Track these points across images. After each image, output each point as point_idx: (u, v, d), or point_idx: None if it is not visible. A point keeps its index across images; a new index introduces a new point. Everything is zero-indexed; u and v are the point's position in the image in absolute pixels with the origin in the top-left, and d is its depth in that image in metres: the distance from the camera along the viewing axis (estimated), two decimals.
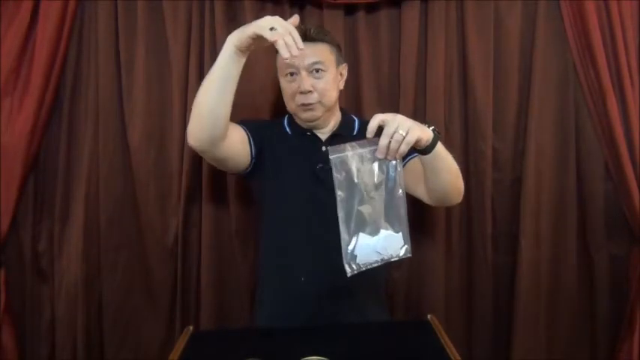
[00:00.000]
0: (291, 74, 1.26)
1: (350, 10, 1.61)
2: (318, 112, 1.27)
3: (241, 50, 1.08)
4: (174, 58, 1.58)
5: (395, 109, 1.63)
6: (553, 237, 1.67)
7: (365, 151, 0.99)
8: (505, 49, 1.63)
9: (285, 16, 1.58)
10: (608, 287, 1.69)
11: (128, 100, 1.58)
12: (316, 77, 1.25)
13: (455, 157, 1.62)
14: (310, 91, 1.24)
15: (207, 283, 1.60)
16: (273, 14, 1.57)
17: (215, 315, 1.61)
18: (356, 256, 0.99)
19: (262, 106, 1.59)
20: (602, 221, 1.68)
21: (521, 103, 1.66)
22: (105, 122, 1.58)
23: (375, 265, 1.00)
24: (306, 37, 1.26)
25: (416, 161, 1.18)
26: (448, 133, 1.64)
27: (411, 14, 1.59)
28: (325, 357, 0.95)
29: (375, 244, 0.99)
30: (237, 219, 1.61)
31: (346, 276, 1.13)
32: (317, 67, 1.25)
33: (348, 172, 0.99)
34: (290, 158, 1.21)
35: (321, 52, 1.27)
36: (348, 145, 1.00)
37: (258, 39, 1.05)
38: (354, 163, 0.99)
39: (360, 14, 1.61)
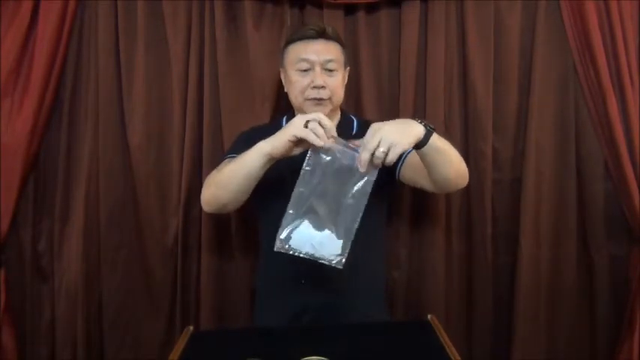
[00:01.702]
0: (304, 69, 1.27)
1: (350, 10, 1.61)
2: (326, 108, 1.28)
3: (275, 157, 1.09)
4: (174, 58, 1.58)
5: (395, 109, 1.63)
6: (553, 237, 1.67)
7: (349, 151, 0.99)
8: (505, 49, 1.63)
9: (285, 16, 1.59)
10: (608, 287, 1.69)
11: (128, 100, 1.58)
12: (329, 75, 1.27)
13: None
14: (323, 87, 1.25)
15: (207, 283, 1.60)
16: (273, 14, 1.60)
17: (215, 315, 1.61)
18: (291, 237, 1.00)
19: (262, 105, 1.59)
20: (602, 221, 1.68)
21: (521, 103, 1.66)
22: (105, 122, 1.58)
23: (304, 256, 1.01)
24: (323, 34, 1.28)
25: (414, 154, 1.18)
26: (448, 133, 1.64)
27: (411, 14, 1.59)
28: (325, 357, 0.95)
29: (313, 237, 1.00)
30: (237, 219, 1.61)
31: (347, 277, 1.13)
32: (330, 65, 1.27)
33: (322, 163, 0.99)
34: (288, 162, 1.21)
35: (335, 51, 1.29)
36: (339, 139, 1.01)
37: (296, 142, 1.05)
38: (331, 157, 0.99)
39: (360, 14, 1.61)
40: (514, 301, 1.66)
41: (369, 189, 1.00)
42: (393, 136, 0.97)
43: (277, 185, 1.25)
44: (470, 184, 1.63)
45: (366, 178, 0.99)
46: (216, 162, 1.56)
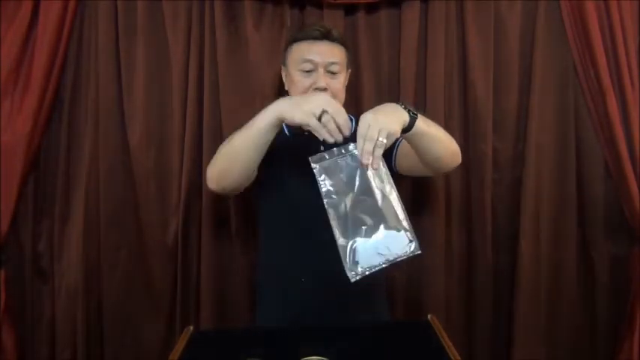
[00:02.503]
0: (307, 70, 1.27)
1: (350, 10, 1.61)
2: None
3: (281, 121, 1.08)
4: (174, 58, 1.58)
5: None
6: (553, 237, 1.67)
7: (347, 156, 0.99)
8: (505, 49, 1.64)
9: (285, 17, 1.59)
10: (608, 287, 1.69)
11: (128, 100, 1.58)
12: (331, 77, 1.27)
13: None
14: (325, 89, 1.25)
15: (207, 283, 1.60)
16: (273, 14, 1.60)
17: (215, 315, 1.61)
18: (357, 261, 0.96)
19: (262, 106, 1.58)
20: (602, 221, 1.68)
21: (521, 103, 1.66)
22: (105, 122, 1.58)
23: (382, 266, 0.97)
24: (328, 35, 1.28)
25: (405, 142, 1.18)
26: (448, 133, 1.63)
27: (411, 14, 1.59)
28: (325, 357, 0.95)
29: (375, 245, 0.97)
30: (237, 219, 1.61)
31: (347, 276, 1.13)
32: (334, 67, 1.27)
33: (336, 179, 0.98)
34: (288, 159, 1.21)
35: (340, 54, 1.29)
36: (326, 154, 1.01)
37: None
38: (339, 169, 0.98)
39: (360, 14, 1.61)
40: (514, 300, 1.66)
41: (383, 173, 0.99)
42: (389, 124, 0.97)
43: (279, 189, 1.26)
44: (470, 184, 1.65)
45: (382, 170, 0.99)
46: None
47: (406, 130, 1.05)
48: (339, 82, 1.29)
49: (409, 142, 1.12)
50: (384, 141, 0.96)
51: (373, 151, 0.95)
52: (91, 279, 1.61)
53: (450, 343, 1.04)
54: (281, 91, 1.52)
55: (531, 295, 1.65)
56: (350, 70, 1.37)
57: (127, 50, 1.57)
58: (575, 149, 1.66)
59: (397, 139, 1.21)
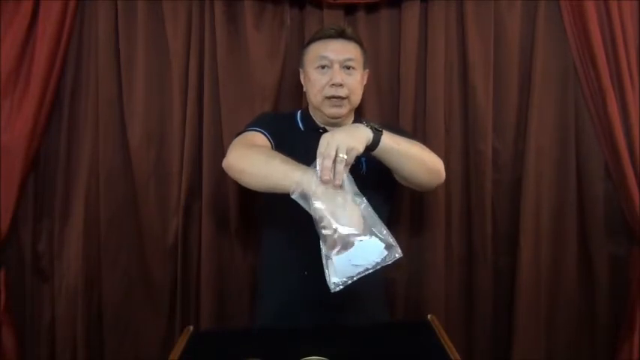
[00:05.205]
0: (323, 67, 1.29)
1: (350, 10, 1.61)
2: (344, 109, 1.30)
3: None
4: (174, 58, 1.58)
5: (395, 109, 1.63)
6: (553, 237, 1.67)
7: (316, 176, 0.99)
8: (505, 49, 1.63)
9: (285, 16, 1.59)
10: (608, 287, 1.69)
11: (128, 100, 1.58)
12: (347, 73, 1.29)
13: (455, 158, 1.63)
14: (341, 85, 1.27)
15: (207, 283, 1.60)
16: (273, 14, 1.60)
17: (215, 315, 1.61)
18: (335, 274, 0.97)
19: (262, 106, 1.59)
20: (602, 221, 1.68)
21: (521, 103, 1.66)
22: (105, 122, 1.58)
23: (361, 275, 0.98)
24: (342, 34, 1.30)
25: None
26: (448, 133, 1.64)
27: (411, 14, 1.59)
28: (325, 357, 0.95)
29: (350, 258, 0.97)
30: (237, 219, 1.61)
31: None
32: (349, 63, 1.29)
33: (308, 201, 0.98)
34: (299, 156, 1.21)
35: (355, 51, 1.31)
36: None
37: None
38: (311, 190, 0.98)
39: (360, 14, 1.61)
40: (514, 301, 1.66)
41: (348, 184, 1.00)
42: (347, 141, 1.00)
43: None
44: (470, 185, 1.65)
45: (346, 180, 1.00)
46: (216, 162, 1.56)
47: (373, 147, 1.07)
48: (356, 80, 1.30)
49: (380, 159, 1.13)
50: (344, 157, 0.98)
51: (335, 168, 0.97)
52: (91, 279, 1.61)
53: (450, 343, 1.04)
54: (281, 92, 1.53)
55: (531, 295, 1.65)
56: (367, 70, 1.38)
57: (127, 50, 1.57)
58: (575, 149, 1.66)
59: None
